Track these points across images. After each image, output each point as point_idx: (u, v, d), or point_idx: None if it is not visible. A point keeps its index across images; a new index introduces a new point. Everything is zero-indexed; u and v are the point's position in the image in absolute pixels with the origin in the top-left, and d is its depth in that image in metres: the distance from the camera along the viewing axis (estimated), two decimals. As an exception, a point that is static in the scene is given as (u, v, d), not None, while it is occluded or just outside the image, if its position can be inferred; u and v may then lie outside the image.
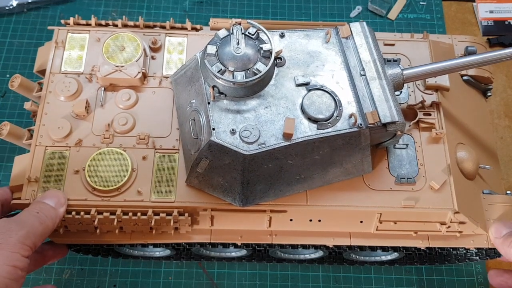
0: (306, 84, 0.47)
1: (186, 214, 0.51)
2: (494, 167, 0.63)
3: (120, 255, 0.69)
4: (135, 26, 0.60)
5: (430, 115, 0.56)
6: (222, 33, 0.45)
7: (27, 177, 0.50)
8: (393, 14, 0.92)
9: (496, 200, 0.57)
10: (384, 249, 0.63)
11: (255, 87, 0.45)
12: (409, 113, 0.56)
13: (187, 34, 0.60)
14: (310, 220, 0.54)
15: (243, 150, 0.43)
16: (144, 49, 0.56)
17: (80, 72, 0.56)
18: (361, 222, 0.54)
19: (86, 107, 0.53)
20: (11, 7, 0.89)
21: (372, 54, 0.50)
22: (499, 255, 0.65)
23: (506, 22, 0.92)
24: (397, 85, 0.51)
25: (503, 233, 0.53)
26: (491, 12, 0.93)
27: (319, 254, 0.68)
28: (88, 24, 0.59)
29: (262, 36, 0.46)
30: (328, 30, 0.51)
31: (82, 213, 0.50)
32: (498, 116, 0.85)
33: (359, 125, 0.46)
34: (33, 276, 0.71)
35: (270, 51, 0.45)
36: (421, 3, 0.94)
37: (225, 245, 0.60)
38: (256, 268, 0.73)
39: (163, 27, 0.61)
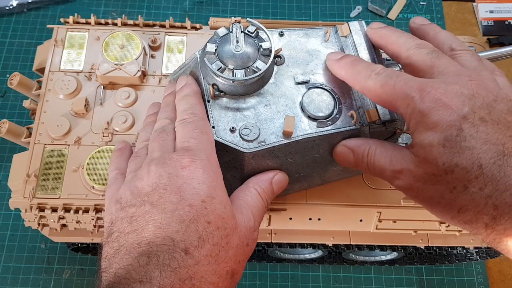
0: (305, 83, 0.47)
1: (186, 213, 0.51)
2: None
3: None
4: (135, 25, 0.60)
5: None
6: (222, 31, 0.45)
7: (26, 175, 0.50)
8: (393, 14, 0.92)
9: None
10: (383, 248, 0.63)
11: (254, 85, 0.45)
12: (409, 112, 0.56)
13: (186, 33, 0.60)
14: (310, 219, 0.54)
15: (243, 148, 0.43)
16: (144, 48, 0.56)
17: (79, 70, 0.56)
18: (361, 221, 0.54)
19: (85, 105, 0.53)
20: (11, 7, 0.89)
21: (371, 53, 0.50)
22: (499, 254, 0.65)
23: (506, 22, 0.92)
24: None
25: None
26: (491, 12, 0.93)
27: (318, 254, 0.68)
28: (87, 23, 0.59)
29: (262, 34, 0.46)
30: (327, 29, 0.50)
31: (81, 211, 0.50)
32: (498, 116, 0.85)
33: (359, 123, 0.45)
34: (33, 276, 0.71)
35: (269, 49, 0.45)
36: (421, 3, 0.94)
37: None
38: (256, 268, 0.73)
39: (163, 26, 0.61)
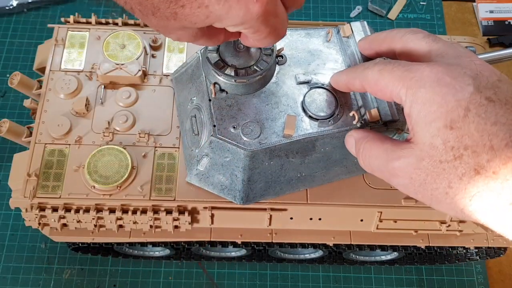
0: (307, 82, 0.47)
1: (186, 213, 0.51)
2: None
3: (120, 254, 0.69)
4: (136, 24, 0.60)
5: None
6: (223, 30, 0.45)
7: (26, 174, 0.50)
8: (393, 14, 0.92)
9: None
10: (384, 248, 0.63)
11: (256, 85, 0.45)
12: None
13: (187, 33, 0.60)
14: (311, 219, 0.54)
15: (244, 147, 0.43)
16: (145, 47, 0.56)
17: (80, 70, 0.56)
18: (361, 220, 0.54)
19: (86, 104, 0.53)
20: (11, 7, 0.89)
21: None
22: (499, 254, 0.65)
23: (506, 22, 0.92)
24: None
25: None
26: (491, 12, 0.93)
27: (319, 254, 0.68)
28: (88, 22, 0.59)
29: (263, 34, 0.46)
30: (329, 29, 0.51)
31: (81, 211, 0.50)
32: (498, 116, 0.85)
33: (360, 123, 0.45)
34: (33, 276, 0.70)
35: (271, 49, 0.45)
36: (421, 3, 0.94)
37: (225, 245, 0.60)
38: (256, 268, 0.73)
39: (164, 26, 0.60)
